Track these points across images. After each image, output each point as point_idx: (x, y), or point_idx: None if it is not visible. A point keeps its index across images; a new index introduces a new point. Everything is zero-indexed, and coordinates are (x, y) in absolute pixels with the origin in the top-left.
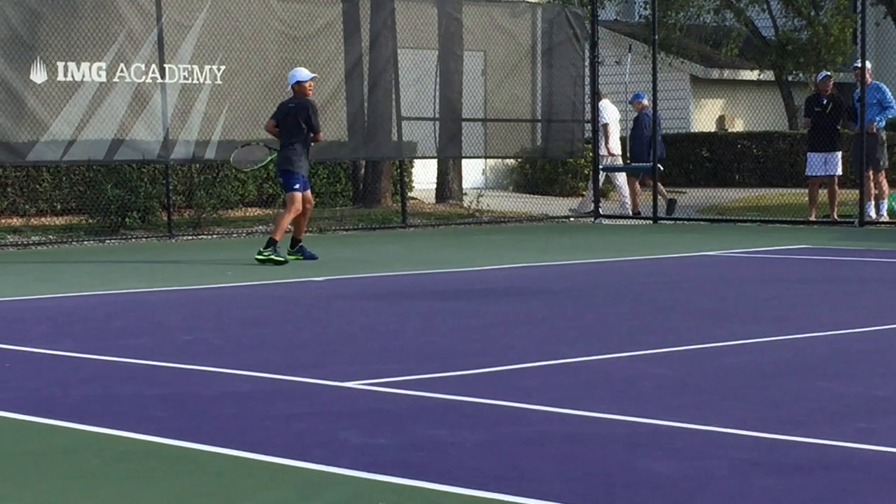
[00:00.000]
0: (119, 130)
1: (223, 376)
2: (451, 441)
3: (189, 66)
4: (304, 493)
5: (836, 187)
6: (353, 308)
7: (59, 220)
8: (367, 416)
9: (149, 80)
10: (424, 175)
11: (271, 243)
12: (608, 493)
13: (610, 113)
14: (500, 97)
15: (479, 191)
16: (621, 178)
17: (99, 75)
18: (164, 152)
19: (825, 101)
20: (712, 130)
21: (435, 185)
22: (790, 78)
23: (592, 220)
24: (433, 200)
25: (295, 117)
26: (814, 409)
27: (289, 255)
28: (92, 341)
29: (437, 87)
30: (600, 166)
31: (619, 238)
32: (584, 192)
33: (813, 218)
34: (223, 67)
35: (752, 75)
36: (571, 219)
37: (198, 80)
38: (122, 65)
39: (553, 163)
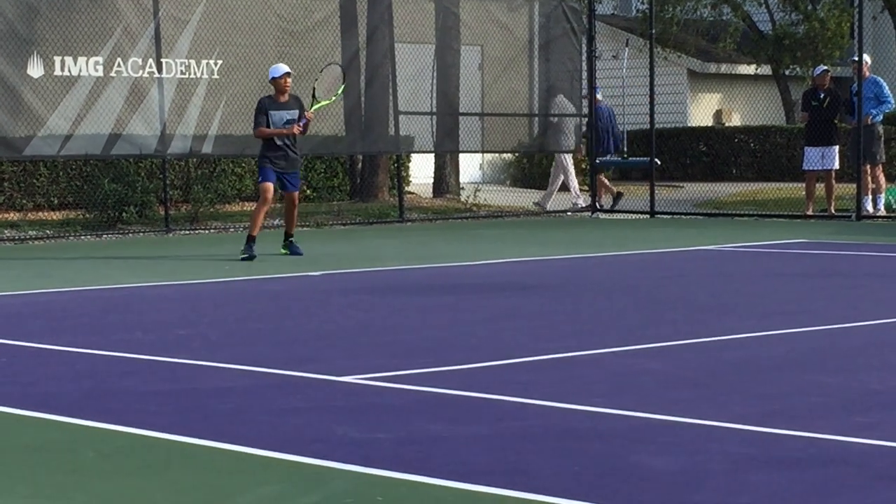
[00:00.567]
0: (116, 125)
1: (220, 371)
2: (448, 435)
3: (186, 61)
4: (301, 487)
5: (834, 181)
6: (351, 303)
7: (56, 215)
8: (365, 410)
9: (146, 75)
10: (422, 169)
11: (248, 239)
12: (606, 487)
13: (566, 108)
14: (498, 91)
15: (476, 185)
16: (571, 171)
17: (96, 70)
18: (161, 147)
19: (822, 96)
20: (709, 125)
21: (432, 180)
22: (787, 72)
23: (590, 214)
24: (430, 195)
25: None
26: (811, 404)
27: (284, 248)
28: (88, 336)
29: (435, 81)
30: (597, 161)
31: (616, 232)
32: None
33: (810, 212)
34: (220, 62)
35: (749, 70)
36: (568, 213)
37: (195, 74)
38: (118, 59)
39: (550, 157)
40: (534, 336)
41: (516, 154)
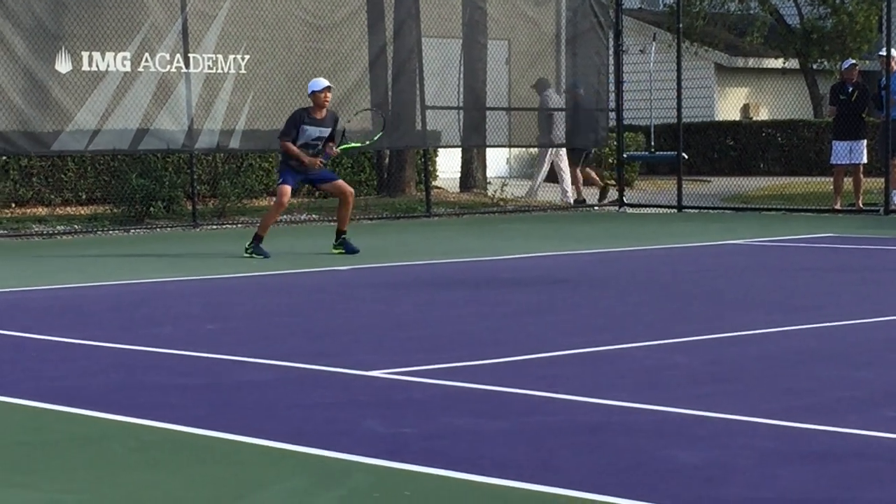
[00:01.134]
0: (143, 120)
1: (247, 365)
2: (474, 430)
3: (213, 56)
4: (327, 481)
5: (861, 175)
6: (378, 297)
7: (84, 210)
8: (391, 404)
9: (173, 70)
10: (448, 164)
11: (255, 239)
12: (633, 481)
13: (555, 102)
14: (525, 86)
15: (503, 180)
16: (564, 165)
17: (123, 65)
18: (189, 142)
19: (850, 90)
20: (737, 119)
21: (459, 175)
22: (815, 66)
23: (617, 208)
24: (457, 189)
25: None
26: (840, 398)
27: (333, 248)
28: (116, 330)
29: (462, 75)
30: (624, 155)
31: (643, 227)
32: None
33: (838, 206)
34: (247, 57)
35: (776, 63)
36: (596, 208)
37: (222, 69)
38: (146, 54)
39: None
40: (560, 330)
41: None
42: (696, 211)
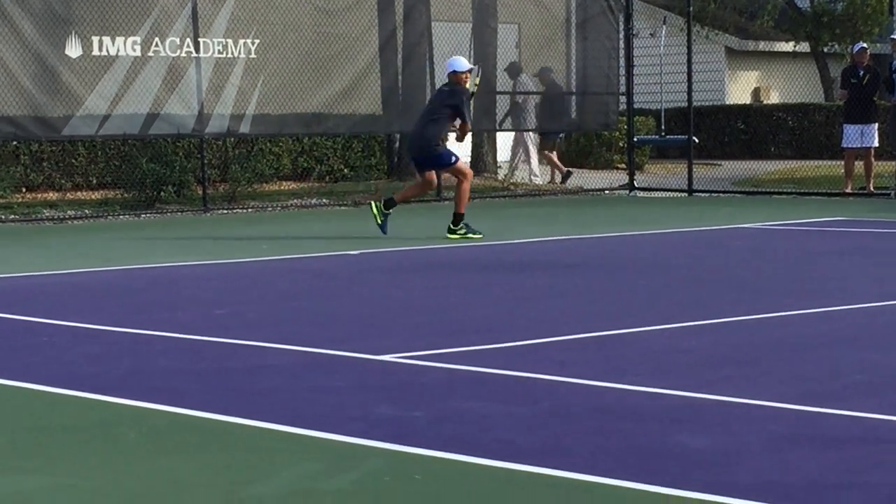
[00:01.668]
0: (154, 105)
1: (259, 350)
2: (485, 414)
3: (223, 40)
4: (339, 465)
5: (873, 159)
6: (389, 281)
7: (95, 195)
8: (402, 389)
9: (183, 55)
10: (459, 148)
11: (458, 219)
12: (643, 466)
13: (527, 86)
14: (535, 70)
15: (513, 164)
16: (533, 149)
17: (133, 49)
18: (199, 126)
19: (861, 73)
20: (747, 103)
21: (469, 159)
22: (826, 49)
23: (627, 192)
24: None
25: (443, 100)
26: (851, 382)
27: (375, 208)
28: (127, 315)
29: (472, 59)
30: (634, 139)
31: (654, 211)
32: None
33: (849, 190)
34: (257, 41)
35: (787, 47)
36: (606, 192)
37: (232, 53)
38: (156, 39)
39: (588, 136)
40: (571, 314)
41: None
42: (707, 195)
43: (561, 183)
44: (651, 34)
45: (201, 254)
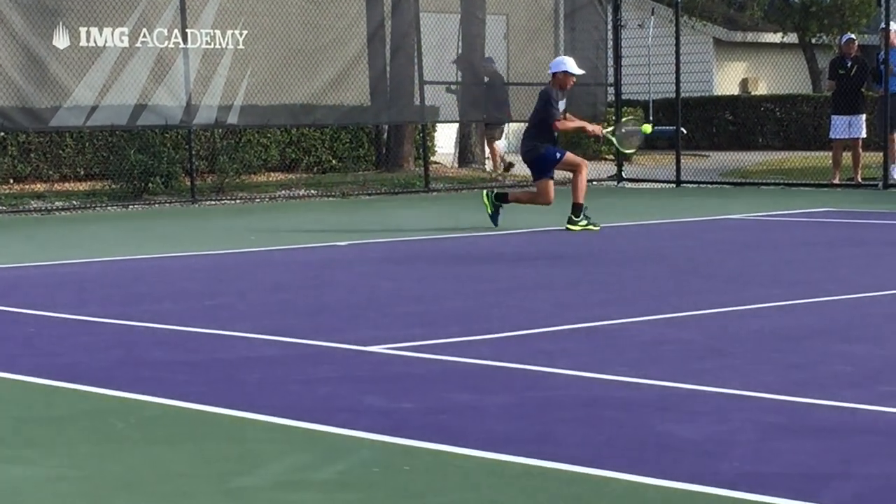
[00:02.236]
0: (142, 96)
1: (247, 341)
2: (474, 405)
3: (211, 31)
4: (328, 456)
5: (860, 150)
6: (377, 272)
7: (83, 186)
8: (392, 380)
9: (171, 46)
10: (447, 139)
11: (577, 209)
12: (632, 456)
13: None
14: (523, 61)
15: (501, 155)
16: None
17: (121, 40)
18: (187, 117)
19: (849, 64)
20: (735, 94)
21: (456, 150)
22: (814, 40)
23: (615, 183)
24: (456, 165)
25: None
26: (838, 373)
27: (487, 198)
28: (116, 306)
29: (460, 51)
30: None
31: (641, 202)
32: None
33: (837, 181)
34: (245, 32)
35: (775, 38)
36: (594, 183)
37: (220, 44)
38: (144, 30)
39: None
40: (560, 305)
41: None
42: (695, 186)
43: (504, 171)
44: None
45: (189, 245)
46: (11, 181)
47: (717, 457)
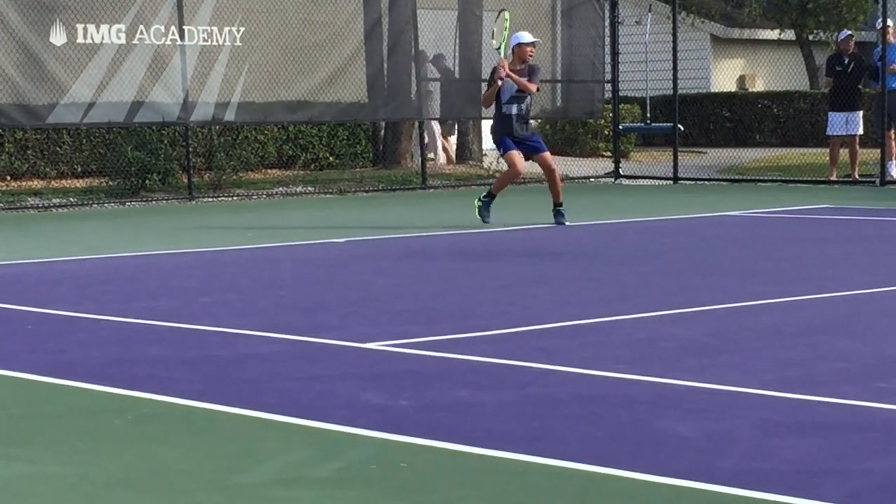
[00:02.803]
0: (139, 92)
1: (244, 338)
2: (472, 402)
3: (208, 28)
4: (326, 453)
5: (858, 147)
6: (374, 269)
7: (80, 183)
8: (389, 377)
9: (168, 42)
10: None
11: (489, 194)
12: (630, 453)
13: (434, 75)
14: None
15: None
16: (437, 134)
17: (118, 37)
18: (184, 114)
19: (846, 61)
20: (733, 90)
21: (455, 147)
22: (811, 37)
23: (612, 180)
24: (453, 161)
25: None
26: (836, 369)
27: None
28: (112, 303)
29: (457, 47)
30: (620, 127)
31: (639, 198)
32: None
33: (834, 177)
34: (242, 29)
35: (772, 35)
36: (591, 179)
37: (217, 41)
38: (141, 27)
39: (573, 124)
40: (557, 302)
41: (539, 120)
42: (692, 182)
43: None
44: (636, 22)
45: (186, 242)
46: (8, 178)
47: (715, 453)
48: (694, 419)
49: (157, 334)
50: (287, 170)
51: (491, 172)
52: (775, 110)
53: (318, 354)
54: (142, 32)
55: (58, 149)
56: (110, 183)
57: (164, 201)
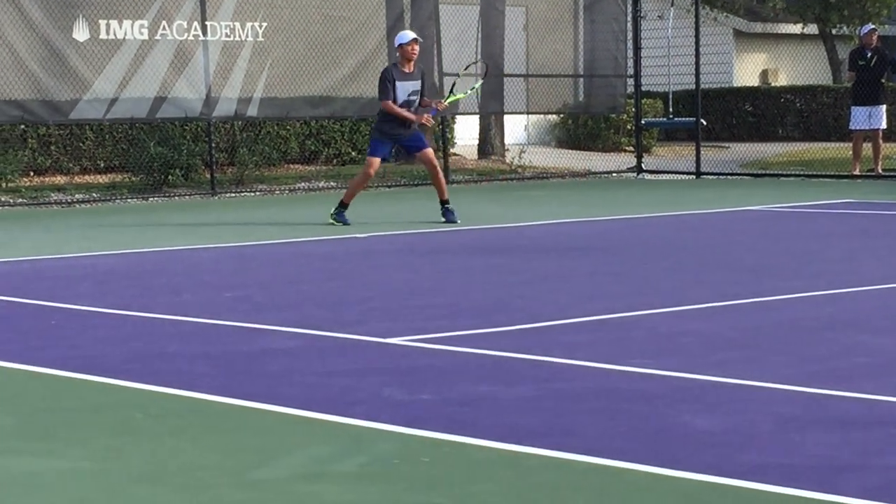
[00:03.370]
0: (161, 88)
1: (267, 333)
2: (494, 396)
3: (231, 24)
4: (348, 448)
5: (881, 141)
6: (396, 264)
7: (103, 178)
8: (411, 372)
9: (191, 38)
10: (467, 131)
11: (341, 205)
12: (651, 448)
13: None
14: (542, 52)
15: (521, 146)
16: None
17: (141, 33)
18: (207, 110)
19: (869, 55)
20: (755, 85)
21: (477, 141)
22: (834, 31)
23: (635, 175)
24: (475, 156)
25: None
26: (858, 364)
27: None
28: (135, 299)
29: (479, 42)
30: (642, 122)
31: (661, 193)
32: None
33: (857, 172)
34: (265, 24)
35: (795, 29)
36: (614, 174)
37: (240, 37)
38: (164, 22)
39: (595, 118)
40: (579, 297)
41: (561, 115)
42: (715, 177)
43: None
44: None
45: (209, 237)
46: (32, 174)
47: (737, 448)
48: (715, 414)
49: (180, 329)
50: (309, 165)
51: (513, 167)
52: (798, 104)
53: (339, 349)
54: (164, 28)
55: (81, 144)
56: (133, 179)
57: (187, 197)
